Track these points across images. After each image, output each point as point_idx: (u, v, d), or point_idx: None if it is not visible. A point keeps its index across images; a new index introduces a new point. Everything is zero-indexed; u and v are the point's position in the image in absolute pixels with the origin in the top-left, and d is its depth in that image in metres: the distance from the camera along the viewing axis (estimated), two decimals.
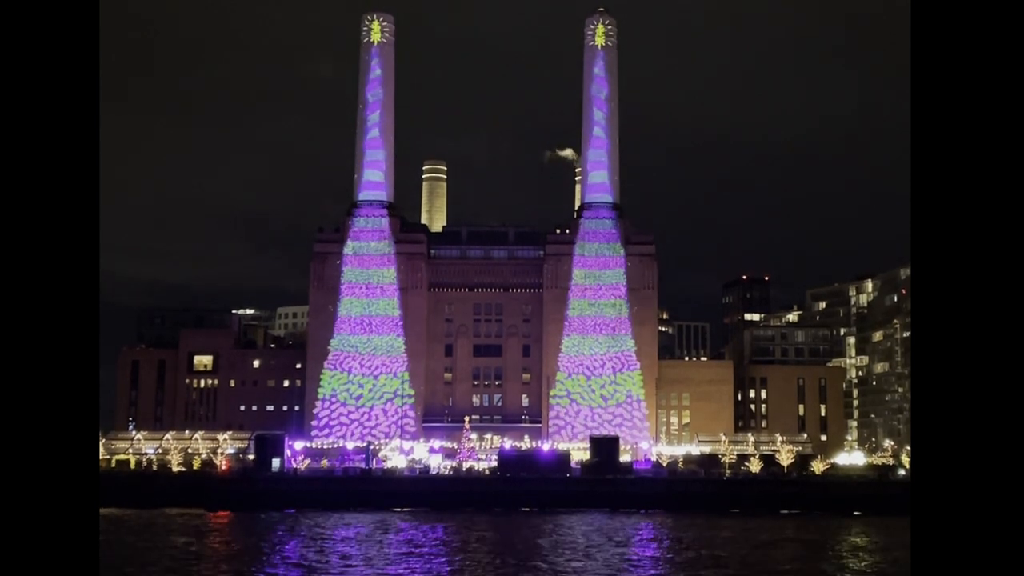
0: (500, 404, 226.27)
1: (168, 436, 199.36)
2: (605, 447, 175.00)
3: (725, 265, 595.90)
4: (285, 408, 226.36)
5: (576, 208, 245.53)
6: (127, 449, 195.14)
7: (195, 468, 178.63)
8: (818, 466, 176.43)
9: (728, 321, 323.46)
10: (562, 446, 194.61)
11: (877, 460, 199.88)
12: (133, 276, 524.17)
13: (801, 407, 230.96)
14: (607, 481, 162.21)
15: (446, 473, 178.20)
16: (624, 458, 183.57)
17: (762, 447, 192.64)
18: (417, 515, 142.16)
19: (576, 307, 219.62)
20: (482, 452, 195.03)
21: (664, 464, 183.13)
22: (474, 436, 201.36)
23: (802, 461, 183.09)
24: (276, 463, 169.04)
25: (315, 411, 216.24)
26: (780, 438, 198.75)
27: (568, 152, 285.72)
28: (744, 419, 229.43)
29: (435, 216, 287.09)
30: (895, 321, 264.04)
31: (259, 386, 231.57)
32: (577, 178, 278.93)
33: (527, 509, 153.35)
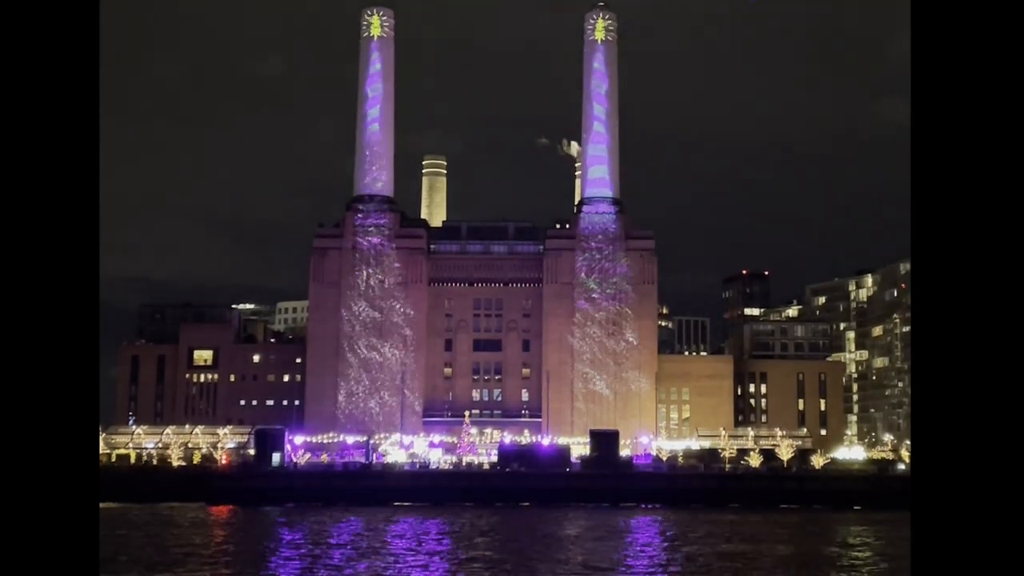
0: (500, 399, 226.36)
1: (168, 431, 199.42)
2: (605, 442, 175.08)
3: (725, 260, 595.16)
4: (285, 403, 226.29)
5: (576, 203, 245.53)
6: (127, 444, 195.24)
7: (195, 463, 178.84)
8: (818, 461, 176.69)
9: (728, 316, 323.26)
10: (562, 441, 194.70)
11: (877, 455, 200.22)
12: (132, 275, 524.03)
13: (801, 402, 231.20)
14: (606, 476, 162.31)
15: (446, 468, 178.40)
16: (624, 453, 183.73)
17: (762, 442, 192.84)
18: (417, 510, 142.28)
19: (576, 302, 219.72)
20: (482, 447, 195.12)
21: (664, 459, 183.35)
22: (474, 431, 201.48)
23: (802, 456, 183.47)
24: (276, 458, 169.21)
25: (315, 405, 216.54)
26: (780, 433, 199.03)
27: (572, 146, 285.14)
28: (744, 414, 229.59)
29: (435, 211, 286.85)
30: (895, 316, 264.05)
31: (259, 381, 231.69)
32: (577, 173, 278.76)
33: (527, 504, 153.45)
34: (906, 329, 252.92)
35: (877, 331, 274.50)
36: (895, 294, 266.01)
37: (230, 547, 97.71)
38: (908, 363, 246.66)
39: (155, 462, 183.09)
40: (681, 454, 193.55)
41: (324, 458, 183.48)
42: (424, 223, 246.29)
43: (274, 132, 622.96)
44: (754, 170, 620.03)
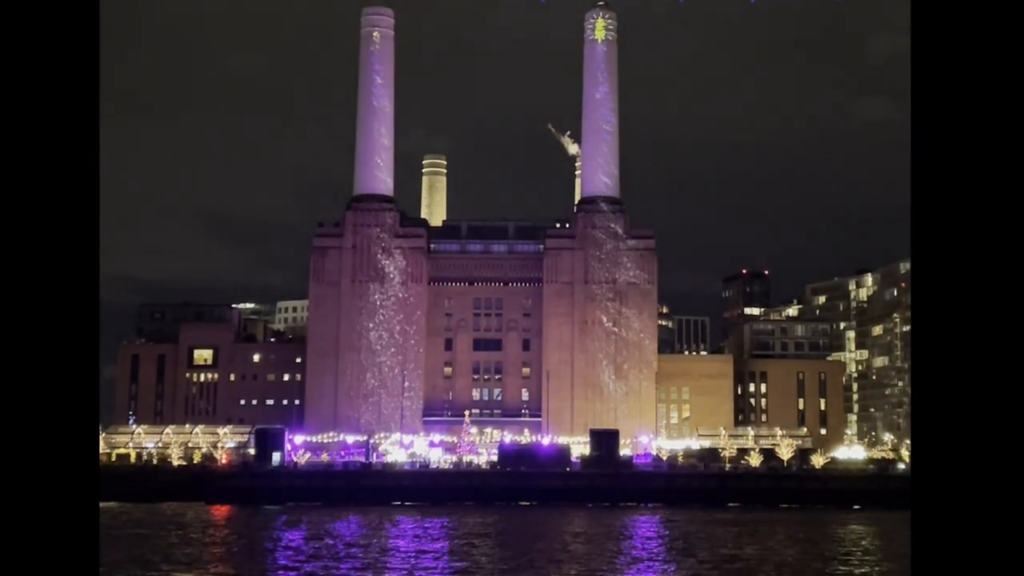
0: (500, 398, 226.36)
1: (168, 430, 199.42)
2: (605, 441, 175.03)
3: (725, 260, 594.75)
4: (285, 402, 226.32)
5: (576, 202, 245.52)
6: (127, 443, 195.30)
7: (195, 462, 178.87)
8: (818, 460, 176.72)
9: (728, 316, 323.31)
10: (562, 440, 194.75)
11: (877, 454, 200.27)
12: (132, 275, 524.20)
13: (801, 401, 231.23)
14: (606, 475, 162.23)
15: (446, 467, 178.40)
16: (624, 452, 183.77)
17: (762, 441, 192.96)
18: (417, 510, 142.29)
19: (576, 301, 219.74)
20: (482, 446, 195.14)
21: (664, 458, 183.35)
22: (474, 430, 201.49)
23: (802, 455, 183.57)
24: (276, 457, 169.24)
25: (315, 405, 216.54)
26: (780, 432, 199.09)
27: (574, 146, 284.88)
28: (744, 413, 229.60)
29: (435, 211, 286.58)
30: (895, 315, 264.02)
31: (259, 380, 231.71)
32: (577, 172, 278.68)
33: (527, 503, 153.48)
34: (906, 328, 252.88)
35: (877, 330, 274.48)
36: (895, 293, 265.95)
37: (230, 547, 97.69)
38: (908, 363, 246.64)
39: (155, 462, 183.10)
40: (681, 453, 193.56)
41: (324, 458, 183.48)
42: (424, 223, 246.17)
43: (274, 131, 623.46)
44: (754, 169, 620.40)
